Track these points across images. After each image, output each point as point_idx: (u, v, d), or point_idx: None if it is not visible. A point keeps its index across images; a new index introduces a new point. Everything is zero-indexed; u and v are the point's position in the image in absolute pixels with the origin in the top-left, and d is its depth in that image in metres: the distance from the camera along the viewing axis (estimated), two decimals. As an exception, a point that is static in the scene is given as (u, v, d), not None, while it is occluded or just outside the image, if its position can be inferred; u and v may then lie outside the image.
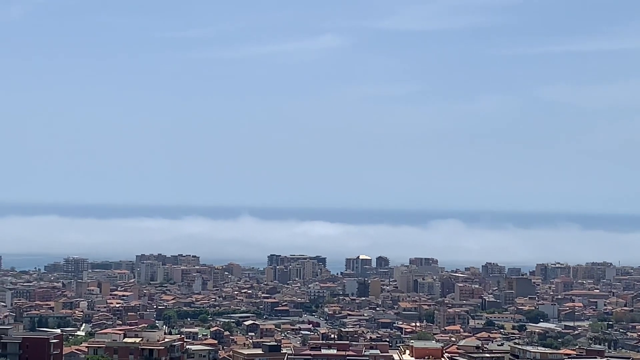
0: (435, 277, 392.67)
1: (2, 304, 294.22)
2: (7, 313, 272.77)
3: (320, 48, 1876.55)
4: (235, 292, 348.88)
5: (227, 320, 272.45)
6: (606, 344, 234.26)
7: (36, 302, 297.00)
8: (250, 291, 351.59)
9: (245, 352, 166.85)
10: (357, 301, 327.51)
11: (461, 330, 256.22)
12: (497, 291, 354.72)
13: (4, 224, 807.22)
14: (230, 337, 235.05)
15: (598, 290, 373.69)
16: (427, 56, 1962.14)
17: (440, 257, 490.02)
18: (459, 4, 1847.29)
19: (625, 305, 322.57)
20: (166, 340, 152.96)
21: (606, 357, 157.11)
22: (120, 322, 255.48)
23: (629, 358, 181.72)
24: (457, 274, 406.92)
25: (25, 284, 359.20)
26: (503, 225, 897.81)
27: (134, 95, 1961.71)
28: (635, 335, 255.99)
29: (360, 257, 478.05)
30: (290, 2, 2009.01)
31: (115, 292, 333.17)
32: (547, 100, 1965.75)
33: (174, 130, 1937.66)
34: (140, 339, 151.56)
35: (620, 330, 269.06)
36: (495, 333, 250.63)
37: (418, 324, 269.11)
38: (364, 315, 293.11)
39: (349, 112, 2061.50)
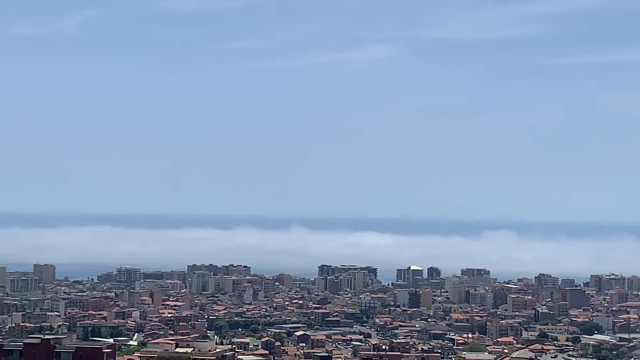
0: (487, 288, 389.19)
1: (56, 313, 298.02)
2: (61, 322, 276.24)
3: (370, 59, 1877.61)
4: (286, 303, 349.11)
5: (278, 330, 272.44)
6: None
7: (89, 312, 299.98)
8: (301, 301, 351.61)
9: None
10: (408, 312, 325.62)
11: (514, 342, 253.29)
12: (550, 302, 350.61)
13: (58, 234, 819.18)
14: (281, 347, 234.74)
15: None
16: (480, 66, 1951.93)
17: (493, 268, 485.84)
18: (512, 13, 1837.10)
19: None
20: (217, 350, 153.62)
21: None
22: (172, 332, 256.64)
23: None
24: (509, 285, 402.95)
25: (78, 294, 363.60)
26: (556, 236, 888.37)
27: (186, 106, 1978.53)
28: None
29: (412, 267, 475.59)
30: (340, 13, 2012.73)
31: (167, 302, 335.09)
32: (601, 110, 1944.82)
33: (226, 141, 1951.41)
34: (192, 349, 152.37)
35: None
36: (549, 345, 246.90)
37: (470, 335, 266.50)
38: (415, 326, 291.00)
39: (401, 122, 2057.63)
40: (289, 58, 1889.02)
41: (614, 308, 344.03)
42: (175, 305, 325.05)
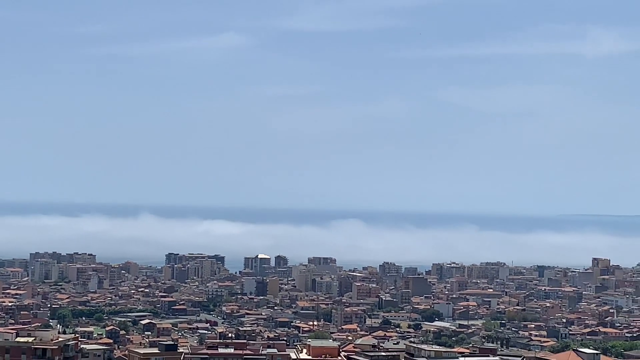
0: (333, 277, 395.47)
1: None
2: None
3: (221, 47, 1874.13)
4: (132, 291, 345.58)
5: (123, 319, 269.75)
6: (499, 342, 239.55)
7: None
8: (147, 290, 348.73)
9: (141, 351, 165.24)
10: (255, 300, 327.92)
11: (358, 329, 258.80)
12: (393, 290, 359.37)
13: None
14: (126, 336, 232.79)
15: (492, 290, 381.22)
16: (330, 57, 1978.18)
17: (341, 257, 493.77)
18: (363, 6, 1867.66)
19: (517, 305, 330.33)
20: (60, 339, 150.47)
21: (498, 355, 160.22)
22: (13, 322, 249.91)
23: (521, 356, 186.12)
24: (355, 273, 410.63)
25: None
26: (403, 226, 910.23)
27: (33, 90, 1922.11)
28: (526, 333, 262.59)
29: (259, 256, 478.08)
30: (191, 0, 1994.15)
31: (8, 291, 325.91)
32: (446, 103, 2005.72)
33: (74, 126, 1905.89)
34: (33, 338, 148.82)
35: (513, 329, 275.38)
36: (392, 332, 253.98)
37: (315, 323, 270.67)
38: (262, 315, 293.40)
39: (251, 111, 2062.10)
40: (139, 44, 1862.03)
41: (454, 296, 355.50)
42: (16, 294, 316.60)
